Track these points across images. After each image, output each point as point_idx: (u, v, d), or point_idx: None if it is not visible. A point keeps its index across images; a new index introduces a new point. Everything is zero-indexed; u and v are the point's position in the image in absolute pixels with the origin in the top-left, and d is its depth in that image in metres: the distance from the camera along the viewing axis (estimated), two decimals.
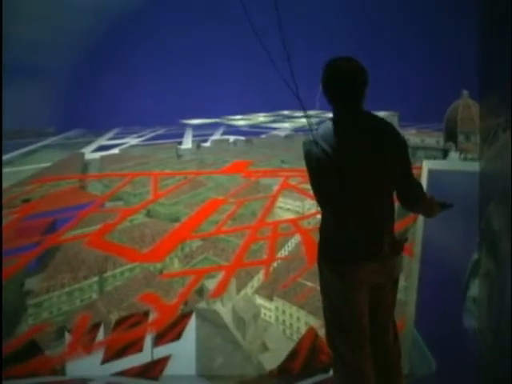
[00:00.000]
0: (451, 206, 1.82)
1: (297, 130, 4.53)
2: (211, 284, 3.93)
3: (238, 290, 4.00)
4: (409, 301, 3.46)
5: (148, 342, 3.57)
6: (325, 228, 1.73)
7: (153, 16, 4.08)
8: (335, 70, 1.63)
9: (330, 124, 1.65)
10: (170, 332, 3.64)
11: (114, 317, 3.74)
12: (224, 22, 3.90)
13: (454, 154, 3.95)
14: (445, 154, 4.05)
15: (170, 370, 3.54)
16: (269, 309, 4.00)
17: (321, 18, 3.92)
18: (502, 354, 2.51)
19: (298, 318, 3.89)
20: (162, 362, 3.54)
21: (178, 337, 3.65)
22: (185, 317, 3.72)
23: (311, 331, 3.69)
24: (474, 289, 3.26)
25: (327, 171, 1.60)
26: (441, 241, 3.32)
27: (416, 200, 1.75)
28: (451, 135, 4.05)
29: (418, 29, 3.78)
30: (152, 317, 3.68)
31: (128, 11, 4.06)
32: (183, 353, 3.60)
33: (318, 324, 3.68)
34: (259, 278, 4.06)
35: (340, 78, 1.61)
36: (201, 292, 3.94)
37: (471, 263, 3.31)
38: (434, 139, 4.17)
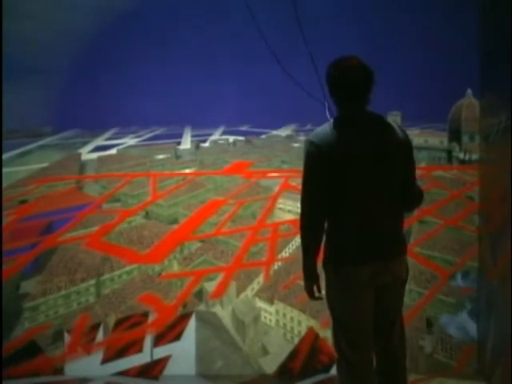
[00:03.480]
0: None
1: (297, 130, 4.46)
2: (210, 287, 3.89)
3: (238, 293, 3.95)
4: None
5: (148, 342, 3.56)
6: (328, 229, 1.70)
7: (152, 17, 4.03)
8: (342, 71, 1.57)
9: (336, 124, 1.60)
10: (170, 333, 3.62)
11: (111, 320, 3.69)
12: (225, 23, 3.86)
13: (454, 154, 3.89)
14: (449, 154, 3.99)
15: (170, 370, 3.53)
16: (269, 312, 3.94)
17: (324, 19, 3.89)
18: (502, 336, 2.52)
19: (299, 322, 3.83)
20: (162, 362, 3.53)
21: (178, 337, 3.63)
22: (185, 317, 3.71)
23: (311, 332, 3.67)
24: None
25: (335, 172, 1.56)
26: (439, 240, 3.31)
27: (414, 202, 1.72)
28: (455, 135, 3.99)
29: (420, 29, 3.78)
30: (152, 317, 3.66)
31: (127, 11, 4.01)
32: (183, 353, 3.57)
33: (318, 326, 3.65)
34: (259, 281, 4.01)
35: (347, 80, 1.54)
36: (200, 295, 3.89)
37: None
38: (438, 139, 4.11)
